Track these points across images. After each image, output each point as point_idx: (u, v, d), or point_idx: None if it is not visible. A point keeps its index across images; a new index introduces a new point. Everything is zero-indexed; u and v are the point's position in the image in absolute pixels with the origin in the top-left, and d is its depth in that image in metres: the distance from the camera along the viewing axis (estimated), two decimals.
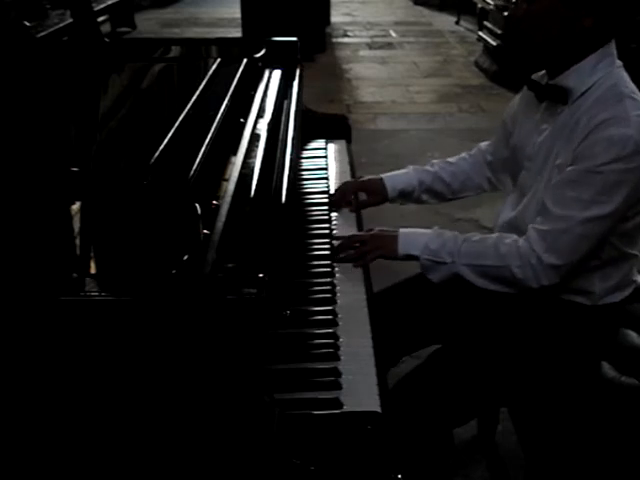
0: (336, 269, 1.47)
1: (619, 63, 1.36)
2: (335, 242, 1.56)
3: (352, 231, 1.63)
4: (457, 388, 1.36)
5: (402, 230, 1.49)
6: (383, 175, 1.74)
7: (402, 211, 3.05)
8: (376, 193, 1.73)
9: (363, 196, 1.77)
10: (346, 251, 1.50)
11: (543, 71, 1.46)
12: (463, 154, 1.74)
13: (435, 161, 1.74)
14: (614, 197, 1.27)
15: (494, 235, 1.44)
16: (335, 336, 1.25)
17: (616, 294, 1.42)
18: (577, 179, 1.29)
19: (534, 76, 1.48)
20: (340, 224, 1.67)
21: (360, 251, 1.48)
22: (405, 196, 1.74)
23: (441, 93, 5.55)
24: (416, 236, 1.47)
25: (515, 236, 1.39)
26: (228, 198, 1.15)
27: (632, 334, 1.50)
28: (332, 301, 1.36)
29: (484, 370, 1.38)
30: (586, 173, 1.28)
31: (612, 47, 1.35)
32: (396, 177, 1.73)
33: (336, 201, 1.75)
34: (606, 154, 1.26)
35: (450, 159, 1.74)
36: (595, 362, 1.44)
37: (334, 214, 1.73)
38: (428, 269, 1.44)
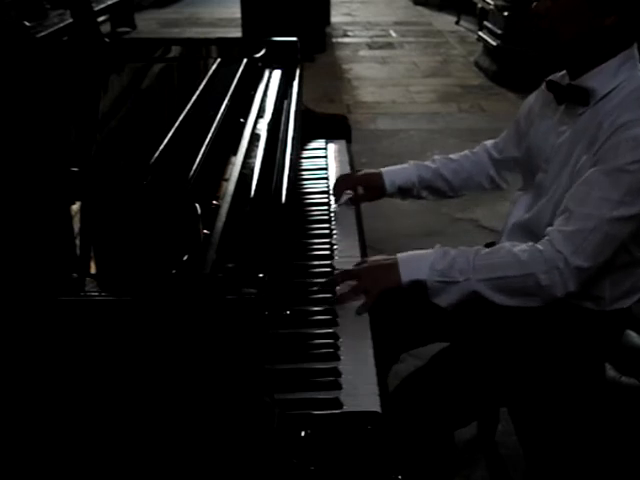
0: (336, 269, 1.47)
1: None
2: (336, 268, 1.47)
3: (352, 234, 1.63)
4: (461, 390, 1.35)
5: (400, 255, 1.36)
6: (382, 169, 1.72)
7: (403, 211, 3.06)
8: (374, 188, 1.72)
9: (361, 190, 1.75)
10: (341, 289, 1.36)
11: (562, 72, 1.44)
12: (466, 151, 1.72)
13: (437, 157, 1.72)
14: None
15: (504, 244, 1.37)
16: (335, 336, 1.25)
17: (625, 300, 1.41)
18: (604, 179, 1.26)
19: (553, 77, 1.46)
20: (339, 226, 1.66)
21: (357, 289, 1.34)
22: (404, 192, 1.72)
23: (441, 93, 5.55)
24: (418, 259, 1.35)
25: (524, 244, 1.33)
26: (228, 198, 1.15)
27: (632, 334, 1.50)
28: (332, 301, 1.36)
29: (488, 372, 1.37)
30: (613, 172, 1.25)
31: (634, 50, 1.34)
32: (395, 172, 1.71)
33: (335, 193, 1.75)
34: (633, 154, 1.23)
35: (452, 155, 1.72)
36: (599, 365, 1.43)
37: (333, 206, 1.74)
38: (436, 292, 1.33)
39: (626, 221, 1.27)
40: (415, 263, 1.34)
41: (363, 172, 1.76)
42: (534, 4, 1.37)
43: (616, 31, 1.30)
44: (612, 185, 1.25)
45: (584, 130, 1.34)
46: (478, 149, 1.72)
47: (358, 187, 1.75)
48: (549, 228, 1.32)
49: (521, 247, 1.31)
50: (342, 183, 1.76)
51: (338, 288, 1.37)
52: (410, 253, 1.37)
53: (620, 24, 1.29)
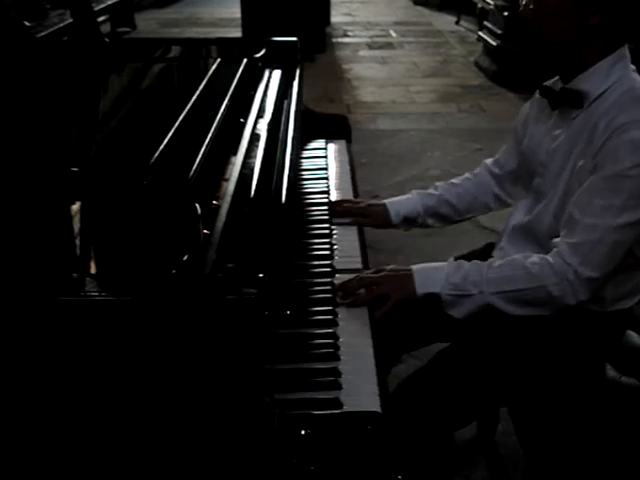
0: (336, 269, 1.46)
1: (632, 67, 1.35)
2: (339, 275, 1.44)
3: (352, 234, 1.62)
4: (461, 390, 1.35)
5: (415, 267, 1.39)
6: (386, 200, 1.70)
7: None
8: (378, 218, 1.69)
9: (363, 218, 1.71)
10: (355, 293, 1.37)
11: (556, 78, 1.44)
12: (467, 174, 1.71)
13: (438, 183, 1.71)
14: None
15: (517, 257, 1.38)
16: (335, 336, 1.25)
17: (626, 301, 1.41)
18: (605, 186, 1.26)
19: (546, 83, 1.46)
20: (339, 226, 1.65)
21: (376, 293, 1.36)
22: (409, 222, 1.70)
23: (441, 93, 5.55)
24: (432, 272, 1.38)
25: (535, 256, 1.34)
26: (228, 198, 1.15)
27: (632, 334, 1.50)
28: (332, 301, 1.36)
29: (488, 372, 1.37)
30: (614, 179, 1.25)
31: (625, 50, 1.34)
32: (400, 202, 1.69)
33: (334, 212, 1.72)
34: (631, 158, 1.24)
35: (454, 180, 1.71)
36: (599, 365, 1.43)
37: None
38: (451, 304, 1.36)
39: (631, 226, 1.28)
40: (429, 276, 1.38)
41: (366, 203, 1.73)
42: (520, 9, 1.37)
43: (603, 30, 1.30)
44: (613, 192, 1.26)
45: (579, 133, 1.34)
46: (479, 170, 1.71)
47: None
48: (556, 239, 1.33)
49: (532, 259, 1.33)
50: (341, 209, 1.71)
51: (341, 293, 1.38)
52: (424, 265, 1.40)
53: (606, 23, 1.29)
